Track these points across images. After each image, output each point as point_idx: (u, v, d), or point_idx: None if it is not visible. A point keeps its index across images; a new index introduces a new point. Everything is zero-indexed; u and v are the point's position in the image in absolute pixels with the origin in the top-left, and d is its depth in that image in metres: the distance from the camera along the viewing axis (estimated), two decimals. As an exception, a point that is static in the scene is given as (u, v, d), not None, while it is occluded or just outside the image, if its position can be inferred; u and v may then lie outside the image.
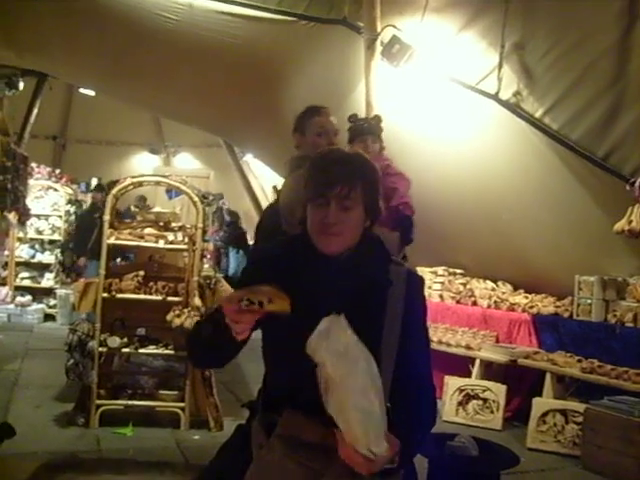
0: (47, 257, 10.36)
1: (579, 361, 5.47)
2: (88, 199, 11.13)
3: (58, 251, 10.25)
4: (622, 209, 5.29)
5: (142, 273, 5.18)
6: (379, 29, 5.75)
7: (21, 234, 9.91)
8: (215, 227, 10.91)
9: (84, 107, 13.10)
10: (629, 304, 5.62)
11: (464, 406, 5.88)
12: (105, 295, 5.03)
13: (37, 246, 10.45)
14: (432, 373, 1.94)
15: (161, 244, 5.27)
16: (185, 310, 4.97)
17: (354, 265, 1.85)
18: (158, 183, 5.73)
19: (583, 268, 5.90)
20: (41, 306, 9.99)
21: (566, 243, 6.01)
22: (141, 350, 5.14)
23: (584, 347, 5.65)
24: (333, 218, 1.79)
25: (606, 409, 4.88)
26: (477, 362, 6.08)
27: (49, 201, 10.48)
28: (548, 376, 5.52)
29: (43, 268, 10.37)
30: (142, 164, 14.29)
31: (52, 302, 10.01)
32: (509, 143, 5.80)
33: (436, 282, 7.00)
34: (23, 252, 10.29)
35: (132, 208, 8.38)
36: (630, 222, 5.22)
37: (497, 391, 5.79)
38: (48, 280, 10.26)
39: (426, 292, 2.02)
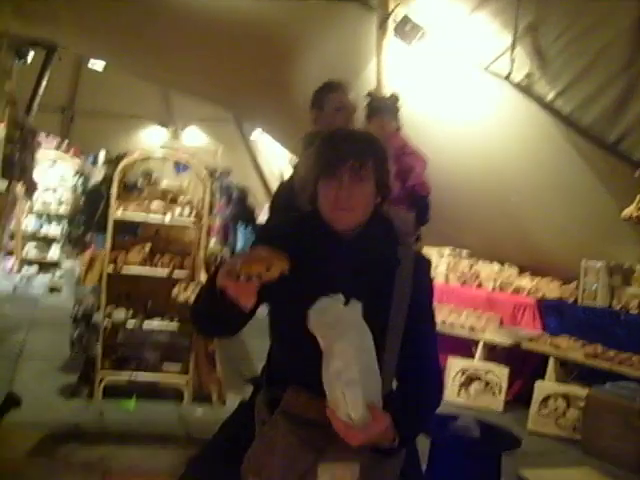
0: (54, 229, 10.38)
1: (583, 346, 5.48)
2: (96, 172, 11.12)
3: (65, 223, 10.26)
4: (631, 195, 5.27)
5: (148, 247, 5.18)
6: (391, 7, 5.70)
7: (28, 206, 9.93)
8: (223, 202, 10.88)
9: (93, 79, 13.00)
10: (635, 291, 5.60)
11: (466, 388, 5.89)
12: (110, 268, 5.03)
13: (44, 218, 10.46)
14: (438, 354, 1.94)
15: (168, 218, 5.26)
16: (191, 285, 4.97)
17: (363, 244, 1.84)
18: (166, 157, 5.70)
19: (590, 253, 5.89)
20: (47, 278, 10.02)
21: (574, 227, 5.99)
22: (145, 324, 5.16)
23: (588, 332, 5.65)
24: (346, 191, 1.79)
25: (608, 394, 4.89)
26: (480, 344, 6.08)
27: (57, 173, 10.47)
28: (551, 360, 5.52)
29: (49, 240, 10.39)
30: (150, 138, 14.24)
31: (58, 274, 10.04)
32: (520, 125, 5.76)
33: (442, 262, 6.99)
34: (30, 224, 10.31)
35: (139, 182, 8.37)
36: (639, 208, 5.20)
37: (500, 374, 5.80)
38: (54, 252, 10.28)
39: (432, 273, 2.02)
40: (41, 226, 10.38)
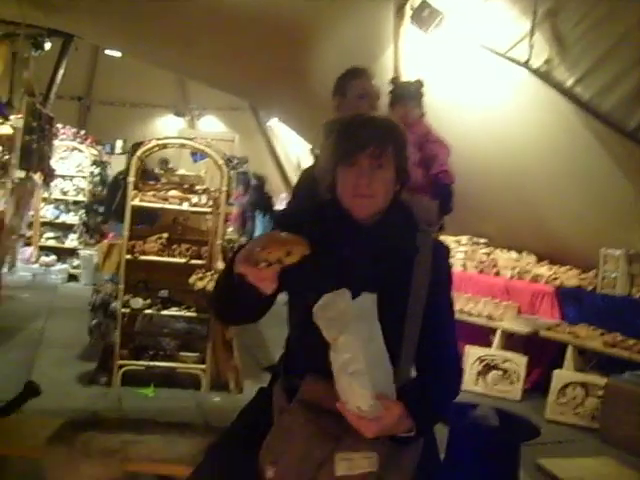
0: (71, 218, 10.44)
1: (601, 334, 5.43)
2: (112, 160, 11.17)
3: (82, 212, 10.32)
4: (651, 182, 5.21)
5: (165, 235, 5.20)
6: (409, -7, 5.67)
7: (46, 194, 9.99)
8: (240, 191, 10.90)
9: (109, 68, 13.08)
10: (655, 279, 5.56)
11: (484, 376, 5.87)
12: (128, 257, 5.05)
13: (62, 207, 10.52)
14: (457, 343, 1.93)
15: (185, 207, 5.27)
16: (208, 273, 4.98)
17: (382, 231, 1.83)
18: (183, 145, 5.70)
19: (609, 241, 5.83)
20: (65, 266, 10.08)
21: (592, 215, 5.94)
22: (163, 312, 5.17)
23: (607, 321, 5.60)
24: (366, 178, 1.78)
25: (627, 383, 4.85)
26: (498, 332, 6.05)
27: (74, 162, 10.52)
28: (570, 349, 5.49)
29: (67, 229, 10.45)
30: (167, 126, 14.28)
31: (76, 262, 10.10)
32: (538, 112, 5.71)
33: (459, 251, 6.95)
34: (48, 212, 10.37)
35: (156, 170, 8.38)
36: (659, 196, 5.15)
37: (517, 362, 5.77)
38: (72, 241, 10.34)
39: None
40: (59, 215, 10.44)
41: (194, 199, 5.32)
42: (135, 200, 5.09)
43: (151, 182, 5.77)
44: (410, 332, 1.78)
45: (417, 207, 3.12)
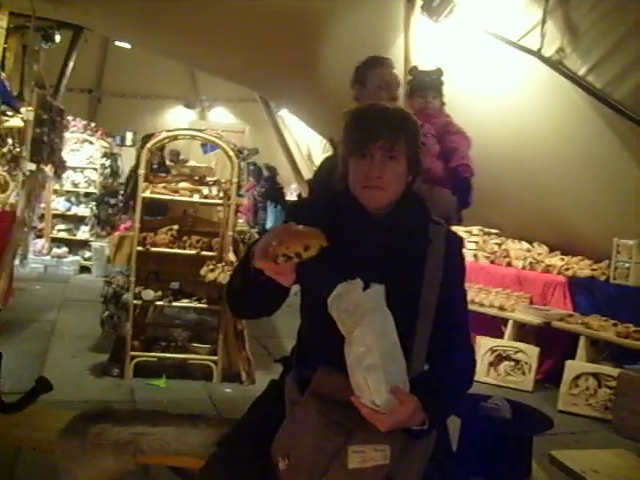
0: (82, 210, 10.47)
1: (614, 325, 5.40)
2: (123, 152, 11.18)
3: (93, 204, 10.34)
4: (665, 172, 5.17)
5: (176, 227, 5.20)
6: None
7: (57, 187, 10.02)
8: (251, 182, 10.92)
9: (119, 60, 13.09)
10: (668, 269, 5.53)
11: (495, 367, 5.86)
12: (140, 249, 5.06)
13: (73, 199, 10.56)
14: (470, 334, 1.92)
15: (196, 198, 5.27)
16: (219, 265, 4.98)
17: (395, 222, 1.82)
18: (193, 137, 5.70)
19: (621, 231, 5.80)
20: (77, 258, 10.13)
21: (605, 205, 5.90)
22: (175, 303, 5.19)
23: (620, 311, 5.58)
24: (377, 170, 1.77)
25: (640, 374, 4.84)
26: (510, 323, 6.03)
27: (85, 154, 10.54)
28: (582, 339, 5.46)
29: (79, 221, 10.48)
30: (177, 118, 14.29)
31: (87, 254, 10.14)
32: (550, 101, 5.66)
33: (471, 242, 6.93)
34: (59, 204, 10.41)
35: (167, 162, 8.40)
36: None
37: (529, 353, 5.75)
38: (83, 233, 10.37)
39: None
40: (70, 207, 10.47)
41: (205, 191, 5.32)
42: (146, 192, 5.09)
43: (162, 174, 5.76)
44: (423, 324, 1.77)
45: (437, 200, 3.10)
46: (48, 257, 9.90)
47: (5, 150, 6.15)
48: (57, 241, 10.21)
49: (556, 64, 5.36)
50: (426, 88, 3.89)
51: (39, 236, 9.89)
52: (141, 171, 5.05)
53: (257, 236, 5.73)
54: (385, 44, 6.15)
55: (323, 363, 1.77)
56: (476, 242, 6.96)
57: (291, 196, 12.11)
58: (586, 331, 5.46)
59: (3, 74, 6.51)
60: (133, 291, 5.05)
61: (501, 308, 6.14)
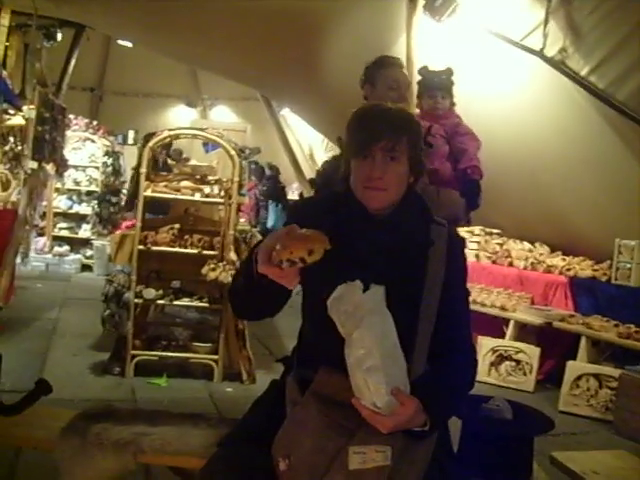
0: (84, 208, 10.49)
1: (616, 326, 5.40)
2: (125, 151, 11.19)
3: (95, 202, 10.35)
4: (667, 173, 5.16)
5: (177, 226, 5.20)
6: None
7: (59, 185, 10.03)
8: (253, 182, 10.91)
9: (121, 59, 13.09)
10: (670, 270, 5.52)
11: (496, 367, 5.86)
12: (141, 247, 5.06)
13: (74, 197, 10.57)
14: (472, 335, 1.91)
15: (197, 197, 5.27)
16: (220, 264, 4.98)
17: (396, 223, 1.82)
18: (195, 136, 5.70)
19: (623, 231, 5.79)
20: (78, 256, 10.14)
21: (607, 205, 5.89)
22: (176, 302, 5.19)
23: (621, 312, 5.57)
24: (379, 171, 1.76)
25: (641, 375, 4.83)
26: (511, 323, 6.03)
27: (86, 153, 10.56)
28: (583, 340, 5.46)
29: (80, 219, 10.50)
30: (179, 117, 14.28)
31: (89, 253, 10.15)
32: (553, 101, 5.66)
33: (472, 242, 6.92)
34: (61, 203, 10.43)
35: (169, 161, 8.38)
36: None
37: (531, 353, 5.75)
38: (85, 231, 10.39)
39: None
40: (72, 205, 10.48)
41: (206, 190, 5.31)
42: (147, 191, 5.09)
43: (163, 173, 5.76)
44: (424, 325, 1.77)
45: (444, 201, 3.09)
46: (50, 255, 9.92)
47: (7, 148, 6.16)
48: (59, 239, 10.23)
49: (558, 64, 5.36)
50: (435, 88, 3.86)
51: (41, 234, 9.90)
52: (143, 170, 5.05)
53: (258, 235, 5.73)
54: (387, 44, 6.14)
55: (324, 363, 1.76)
56: (478, 242, 6.96)
57: (293, 195, 12.10)
58: (587, 332, 5.46)
59: (5, 72, 6.50)
60: (134, 290, 5.06)
61: (502, 308, 6.13)
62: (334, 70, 6.38)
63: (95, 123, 11.02)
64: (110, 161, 10.50)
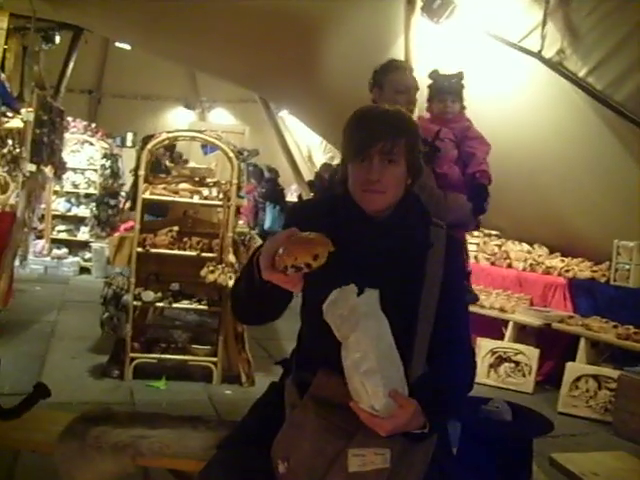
0: (83, 211, 10.48)
1: (615, 327, 5.41)
2: (123, 153, 11.18)
3: (93, 205, 10.34)
4: (665, 174, 5.17)
5: (176, 229, 5.19)
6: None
7: (57, 187, 10.02)
8: (252, 184, 10.91)
9: (119, 61, 13.09)
10: (669, 271, 5.52)
11: (496, 368, 5.85)
12: (139, 250, 5.05)
13: (73, 200, 10.56)
14: (471, 336, 1.91)
15: (196, 199, 5.26)
16: (219, 266, 4.97)
17: (395, 225, 1.81)
18: (193, 138, 5.70)
19: (622, 233, 5.80)
20: (77, 259, 10.12)
21: (605, 206, 5.90)
22: (175, 305, 5.18)
23: (620, 313, 5.58)
24: (376, 174, 1.76)
25: (640, 376, 4.84)
26: (510, 325, 6.03)
27: (85, 155, 10.55)
28: (582, 341, 5.46)
29: (79, 221, 10.49)
30: (177, 119, 14.29)
31: (87, 255, 10.14)
32: (551, 102, 5.66)
33: (471, 243, 6.92)
34: (59, 205, 10.41)
35: (167, 163, 8.38)
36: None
37: (530, 354, 5.75)
38: (84, 233, 10.37)
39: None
40: (70, 207, 10.48)
41: (205, 192, 5.31)
42: (146, 193, 5.08)
43: (162, 175, 5.76)
44: (423, 327, 1.76)
45: (451, 205, 3.08)
46: (48, 258, 9.89)
47: (5, 151, 6.15)
48: (57, 242, 10.21)
49: (556, 65, 5.36)
50: (445, 92, 3.84)
51: (39, 237, 9.88)
52: (141, 172, 5.04)
53: (257, 237, 5.72)
54: (385, 45, 6.15)
55: (323, 366, 1.76)
56: (477, 244, 6.97)
57: (291, 197, 12.11)
58: (586, 333, 5.46)
59: (3, 75, 6.49)
60: (133, 292, 5.05)
61: (501, 310, 6.13)
62: (332, 72, 6.38)
63: (93, 125, 11.01)
64: (108, 163, 10.48)
